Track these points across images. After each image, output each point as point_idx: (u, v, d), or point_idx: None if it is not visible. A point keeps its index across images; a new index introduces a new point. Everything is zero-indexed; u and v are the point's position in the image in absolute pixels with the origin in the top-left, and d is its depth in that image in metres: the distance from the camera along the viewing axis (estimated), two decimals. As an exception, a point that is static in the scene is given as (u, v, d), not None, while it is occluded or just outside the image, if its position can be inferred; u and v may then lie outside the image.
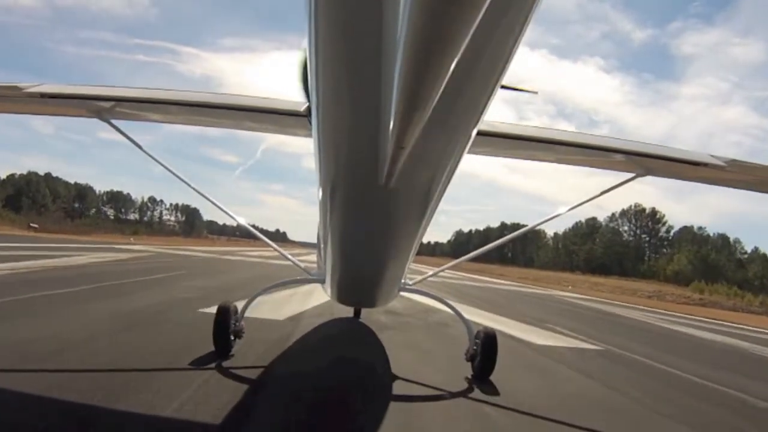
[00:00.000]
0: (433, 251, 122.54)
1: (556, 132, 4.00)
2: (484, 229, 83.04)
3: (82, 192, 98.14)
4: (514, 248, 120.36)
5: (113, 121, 4.39)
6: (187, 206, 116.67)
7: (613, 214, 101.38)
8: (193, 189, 4.74)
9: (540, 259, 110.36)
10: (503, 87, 2.18)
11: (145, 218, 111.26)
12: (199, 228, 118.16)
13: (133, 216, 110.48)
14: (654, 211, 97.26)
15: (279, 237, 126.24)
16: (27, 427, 2.53)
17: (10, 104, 4.63)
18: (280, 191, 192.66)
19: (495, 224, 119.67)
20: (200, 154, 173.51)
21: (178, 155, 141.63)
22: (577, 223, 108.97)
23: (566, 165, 4.48)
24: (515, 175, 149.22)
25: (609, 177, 4.42)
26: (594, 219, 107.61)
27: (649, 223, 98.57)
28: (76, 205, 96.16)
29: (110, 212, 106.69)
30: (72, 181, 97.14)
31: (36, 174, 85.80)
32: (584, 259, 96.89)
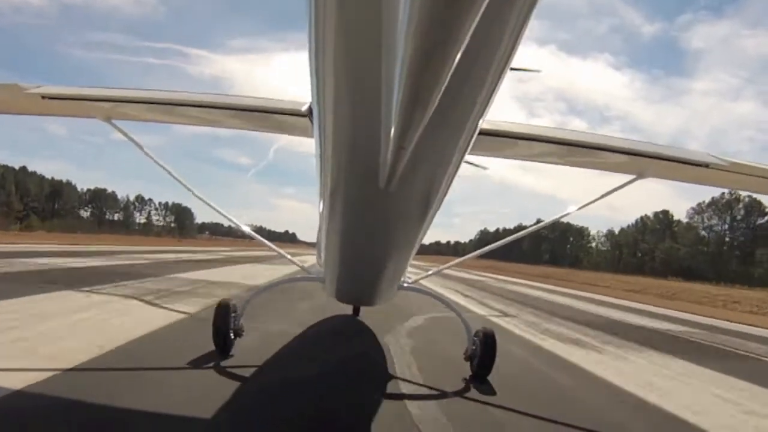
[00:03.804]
0: (455, 251, 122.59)
1: (559, 131, 4.40)
2: (515, 227, 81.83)
3: (58, 189, 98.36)
4: (554, 249, 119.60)
5: (115, 122, 4.99)
6: (178, 205, 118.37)
7: (699, 205, 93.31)
8: (195, 195, 5.37)
9: (593, 260, 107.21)
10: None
11: (135, 219, 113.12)
12: (190, 229, 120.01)
13: (117, 216, 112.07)
14: (755, 201, 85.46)
15: (288, 238, 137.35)
16: (17, 428, 2.83)
17: (10, 105, 5.22)
18: (292, 195, 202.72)
19: (512, 223, 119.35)
20: (213, 155, 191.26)
21: (190, 157, 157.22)
22: (642, 218, 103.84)
23: (569, 166, 5.01)
24: (528, 176, 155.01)
25: (619, 177, 4.92)
26: (666, 212, 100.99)
27: (748, 218, 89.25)
28: (56, 204, 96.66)
29: (91, 212, 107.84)
30: (49, 177, 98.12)
31: (5, 167, 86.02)
32: (662, 261, 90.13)
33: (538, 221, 6.39)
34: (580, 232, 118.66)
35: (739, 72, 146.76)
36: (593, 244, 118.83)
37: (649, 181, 4.75)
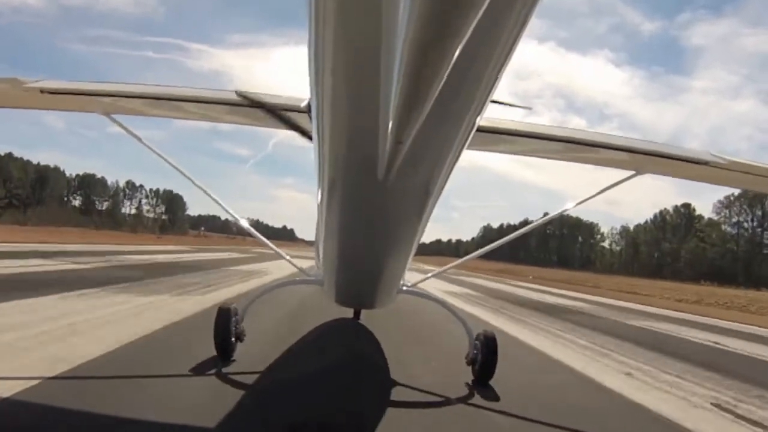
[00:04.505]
0: (456, 251, 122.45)
1: (558, 129, 4.63)
2: (520, 223, 78.64)
3: (44, 175, 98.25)
4: (562, 248, 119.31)
5: (114, 116, 5.21)
6: (170, 192, 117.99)
7: (728, 198, 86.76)
8: (197, 185, 5.57)
9: (605, 261, 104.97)
10: (494, 101, 2.55)
11: (123, 208, 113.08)
12: (181, 221, 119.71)
13: (107, 205, 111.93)
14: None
15: (286, 235, 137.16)
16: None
17: (9, 99, 5.43)
18: (291, 185, 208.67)
19: (511, 218, 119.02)
20: (212, 147, 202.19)
21: (189, 150, 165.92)
22: (662, 213, 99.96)
23: (569, 162, 5.23)
24: (527, 171, 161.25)
25: (617, 173, 5.18)
26: (688, 205, 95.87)
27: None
28: (43, 191, 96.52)
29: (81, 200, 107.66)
30: (36, 162, 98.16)
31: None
32: (688, 263, 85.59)
33: (545, 215, 6.55)
34: (589, 229, 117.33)
35: (739, 70, 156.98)
36: (606, 243, 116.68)
37: (647, 176, 4.99)
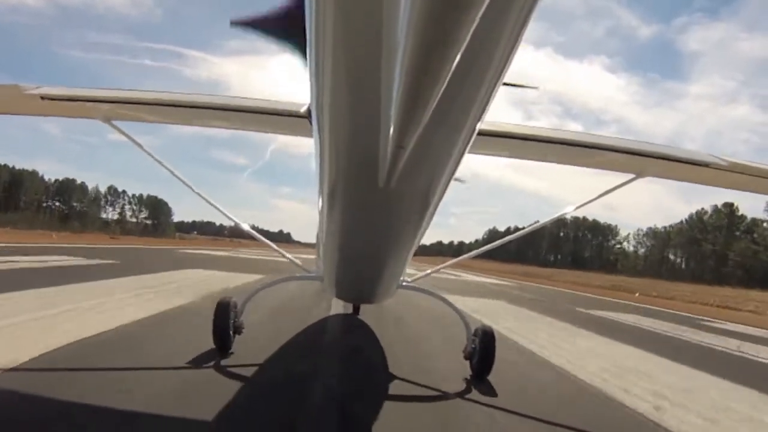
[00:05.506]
0: (459, 253, 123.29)
1: (558, 132, 4.87)
2: (528, 226, 76.86)
3: (18, 178, 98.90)
4: (576, 250, 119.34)
5: (115, 122, 5.50)
6: (153, 198, 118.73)
7: None
8: (195, 192, 5.89)
9: (629, 264, 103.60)
10: (504, 84, 2.58)
11: (102, 213, 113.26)
12: (165, 226, 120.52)
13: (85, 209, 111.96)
14: None
15: (282, 238, 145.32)
16: (20, 426, 3.08)
17: (9, 106, 5.71)
18: (290, 195, 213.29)
19: (508, 223, 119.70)
20: (210, 156, 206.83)
21: (187, 158, 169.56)
22: (698, 213, 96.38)
23: (567, 165, 5.54)
24: (522, 177, 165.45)
25: (615, 177, 5.44)
26: (730, 205, 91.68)
27: None
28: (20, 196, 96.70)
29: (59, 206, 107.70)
30: (11, 166, 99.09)
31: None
32: (738, 265, 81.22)
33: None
34: (606, 232, 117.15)
35: (735, 75, 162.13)
36: (626, 244, 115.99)
37: (647, 180, 5.27)
